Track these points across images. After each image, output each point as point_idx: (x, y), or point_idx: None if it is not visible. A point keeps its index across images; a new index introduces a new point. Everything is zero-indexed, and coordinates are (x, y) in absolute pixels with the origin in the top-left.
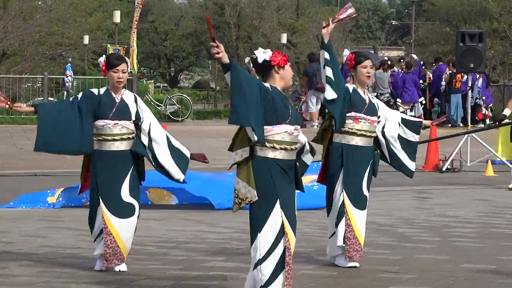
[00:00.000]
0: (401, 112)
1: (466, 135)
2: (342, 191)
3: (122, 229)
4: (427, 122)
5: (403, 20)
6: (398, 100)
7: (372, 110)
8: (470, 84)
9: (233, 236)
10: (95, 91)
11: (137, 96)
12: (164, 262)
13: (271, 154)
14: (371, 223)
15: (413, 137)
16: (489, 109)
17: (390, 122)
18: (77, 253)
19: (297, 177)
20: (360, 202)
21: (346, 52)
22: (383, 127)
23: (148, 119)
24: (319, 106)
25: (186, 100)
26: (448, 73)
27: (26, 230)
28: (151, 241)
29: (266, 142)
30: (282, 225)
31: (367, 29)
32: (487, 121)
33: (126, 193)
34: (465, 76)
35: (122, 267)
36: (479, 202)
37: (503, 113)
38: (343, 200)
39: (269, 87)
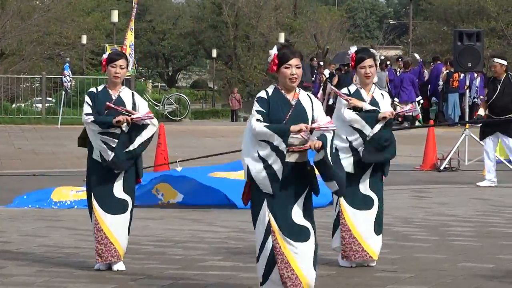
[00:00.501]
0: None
1: (463, 134)
2: None
3: (115, 226)
4: (383, 114)
5: (401, 19)
6: (396, 99)
7: None
8: (467, 83)
9: (231, 235)
10: (93, 89)
11: (135, 93)
12: (161, 261)
13: None
14: None
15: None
16: None
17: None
18: (75, 252)
19: (310, 179)
20: (358, 202)
21: (352, 49)
22: None
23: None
24: None
25: (184, 100)
26: (445, 72)
27: (25, 229)
28: (148, 240)
29: None
30: (270, 224)
31: (365, 29)
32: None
33: (119, 189)
34: (463, 75)
35: (120, 266)
36: (477, 201)
37: (479, 113)
38: (339, 200)
39: (272, 91)
